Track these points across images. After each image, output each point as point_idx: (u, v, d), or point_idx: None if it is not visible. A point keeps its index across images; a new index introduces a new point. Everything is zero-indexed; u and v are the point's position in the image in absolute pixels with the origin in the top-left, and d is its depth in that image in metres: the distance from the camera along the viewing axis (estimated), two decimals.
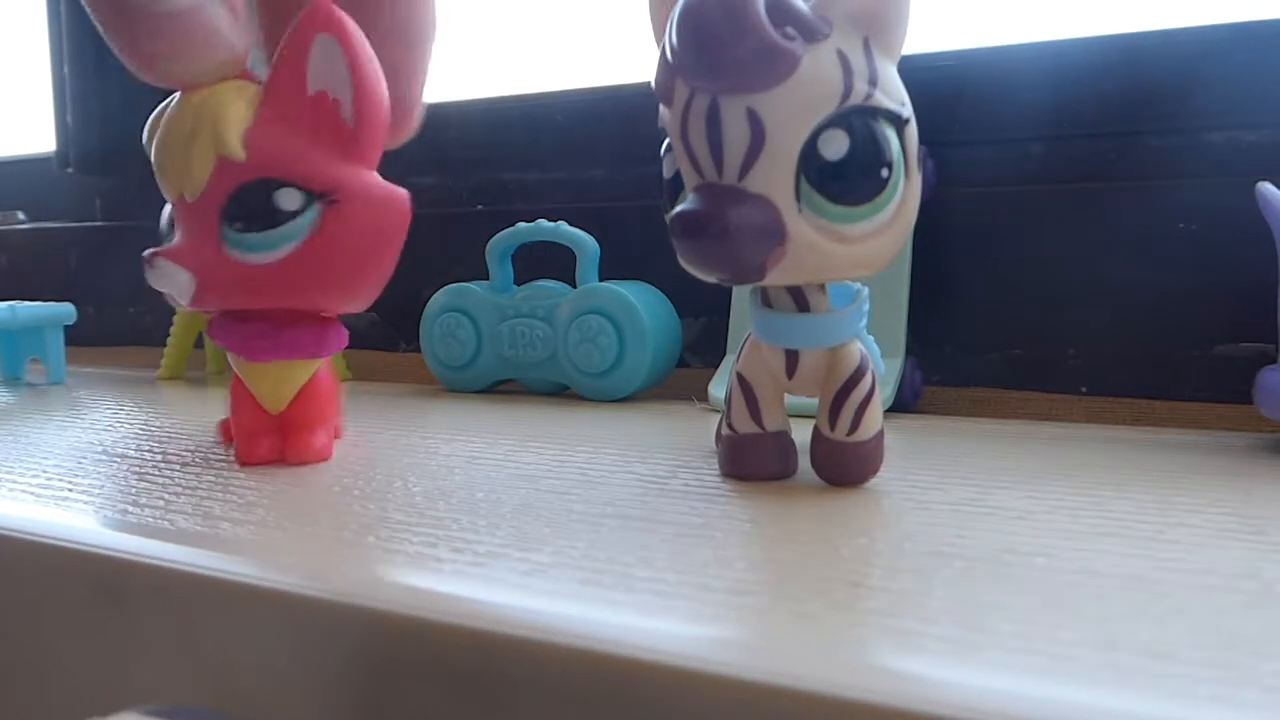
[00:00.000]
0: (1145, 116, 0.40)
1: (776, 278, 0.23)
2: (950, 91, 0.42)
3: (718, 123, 0.23)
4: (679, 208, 0.23)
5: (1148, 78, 0.39)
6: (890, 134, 0.23)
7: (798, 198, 0.23)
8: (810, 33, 0.22)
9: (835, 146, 0.22)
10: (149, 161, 0.27)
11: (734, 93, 0.22)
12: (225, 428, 0.33)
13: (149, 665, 0.21)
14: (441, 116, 0.51)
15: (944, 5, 0.47)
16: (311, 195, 0.26)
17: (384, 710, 0.17)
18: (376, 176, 0.27)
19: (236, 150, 0.25)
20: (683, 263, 0.24)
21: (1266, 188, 0.32)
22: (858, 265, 0.24)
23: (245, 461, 0.29)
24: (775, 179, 0.23)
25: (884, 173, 0.23)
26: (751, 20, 0.21)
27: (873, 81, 0.22)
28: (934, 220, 0.41)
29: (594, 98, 0.51)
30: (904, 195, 0.23)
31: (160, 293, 0.26)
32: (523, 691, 0.16)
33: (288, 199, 0.26)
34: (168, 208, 0.28)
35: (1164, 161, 0.39)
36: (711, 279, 0.24)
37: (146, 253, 0.26)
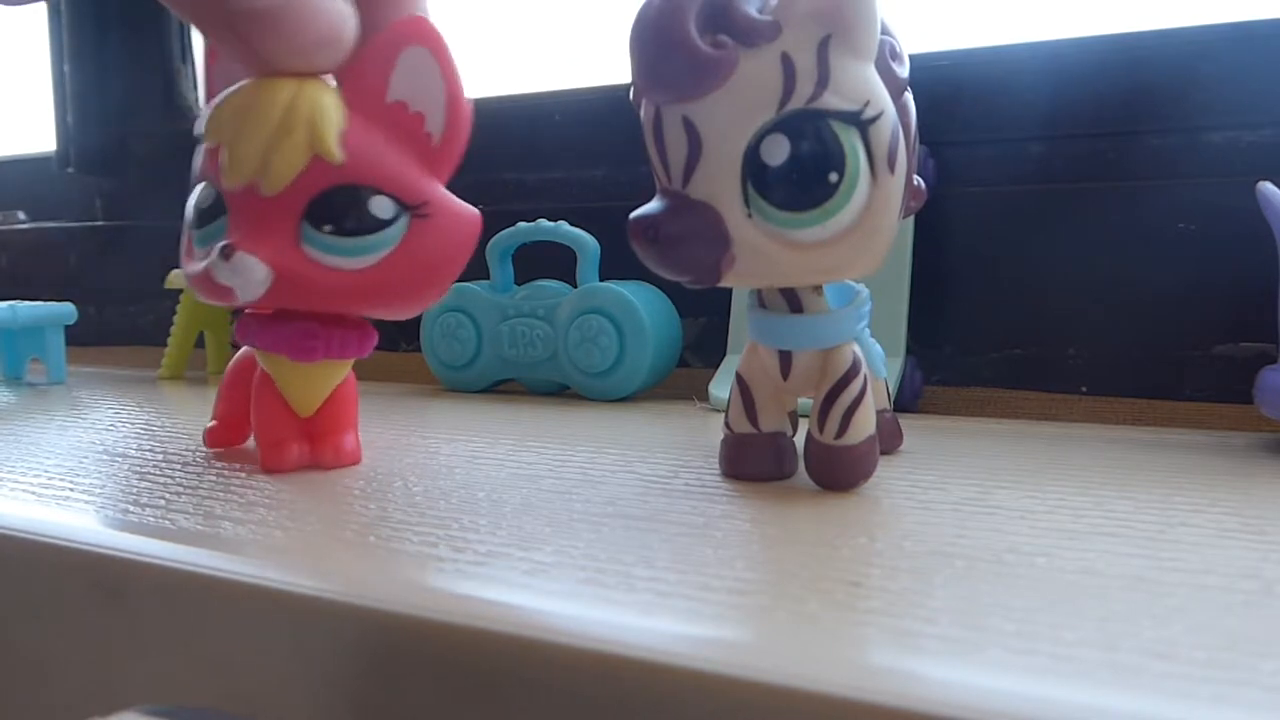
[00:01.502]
0: (1144, 116, 0.40)
1: (731, 281, 0.24)
2: (950, 91, 0.42)
3: (661, 131, 0.23)
4: (633, 213, 0.23)
5: (1147, 78, 0.39)
6: (845, 136, 0.22)
7: (746, 203, 0.23)
8: (748, 37, 0.22)
9: (775, 152, 0.22)
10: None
11: (671, 102, 0.23)
12: (218, 434, 0.31)
13: (149, 665, 0.21)
14: None
15: (944, 5, 0.47)
16: (403, 206, 0.25)
17: (384, 710, 0.17)
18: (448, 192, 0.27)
19: (335, 153, 0.25)
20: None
21: (1266, 188, 0.32)
22: (817, 272, 0.24)
23: (275, 470, 0.28)
24: (719, 185, 0.23)
25: (832, 177, 0.22)
26: (677, 33, 0.22)
27: (822, 83, 0.22)
28: (934, 220, 0.41)
29: (594, 98, 0.51)
30: (871, 199, 0.23)
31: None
32: (523, 691, 0.16)
33: (382, 207, 0.25)
34: (203, 192, 0.26)
35: (1163, 161, 0.39)
36: (674, 279, 0.24)
37: (223, 244, 0.24)
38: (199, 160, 0.26)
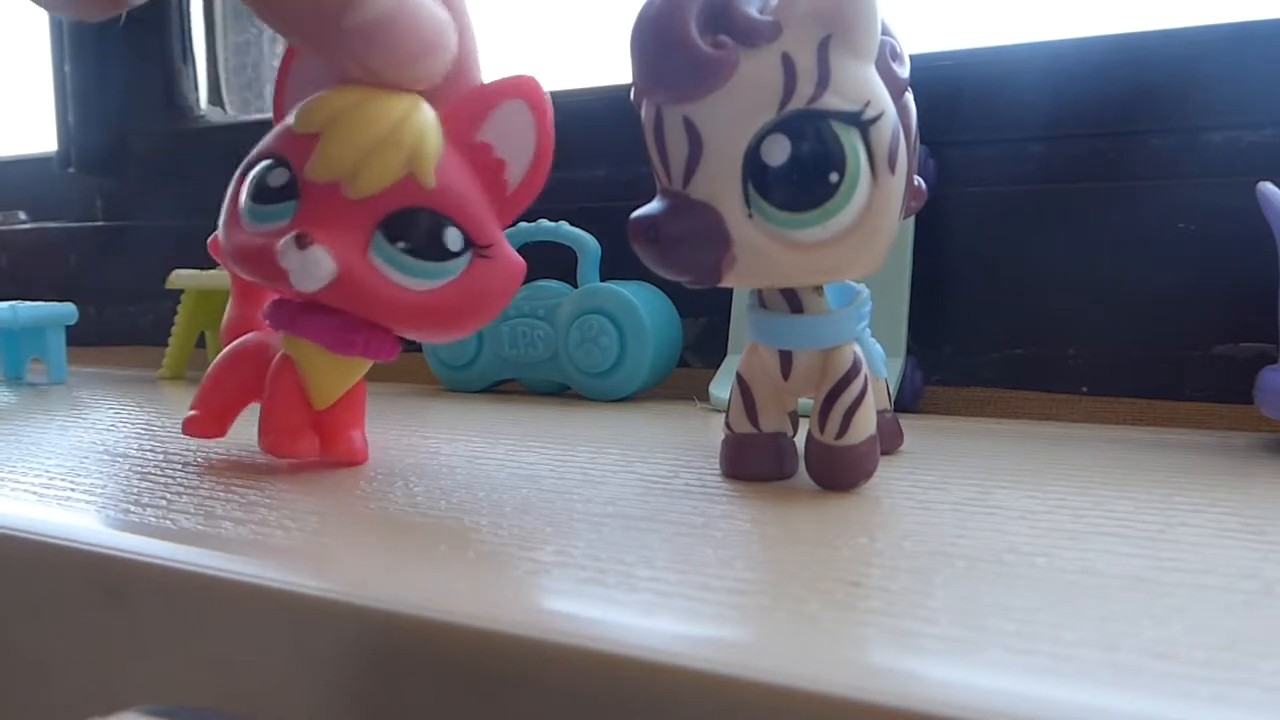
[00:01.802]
0: (1145, 116, 0.40)
1: (731, 281, 0.24)
2: (950, 91, 0.42)
3: (662, 131, 0.23)
4: (634, 213, 0.23)
5: (1147, 78, 0.39)
6: (846, 137, 0.22)
7: (747, 204, 0.23)
8: (748, 37, 0.22)
9: (776, 152, 0.22)
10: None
11: (672, 103, 0.23)
12: (201, 424, 0.30)
13: (149, 665, 0.21)
14: None
15: (944, 5, 0.47)
16: (470, 242, 0.26)
17: (384, 710, 0.17)
18: None
19: (430, 179, 0.25)
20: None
21: (1266, 188, 0.32)
22: (818, 272, 0.24)
23: (284, 454, 0.28)
24: (719, 185, 0.23)
25: (833, 177, 0.22)
26: (678, 33, 0.22)
27: (822, 83, 0.22)
28: (934, 220, 0.42)
29: (594, 98, 0.51)
30: (872, 199, 0.23)
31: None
32: (523, 691, 0.16)
33: (454, 239, 0.26)
34: (273, 170, 0.26)
35: (1164, 161, 0.39)
36: (674, 279, 0.24)
37: (300, 231, 0.24)
38: (276, 139, 0.26)
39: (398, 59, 0.25)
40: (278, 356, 0.29)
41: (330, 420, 0.29)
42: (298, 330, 0.27)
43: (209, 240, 0.32)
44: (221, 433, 0.30)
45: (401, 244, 0.25)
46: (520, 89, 0.27)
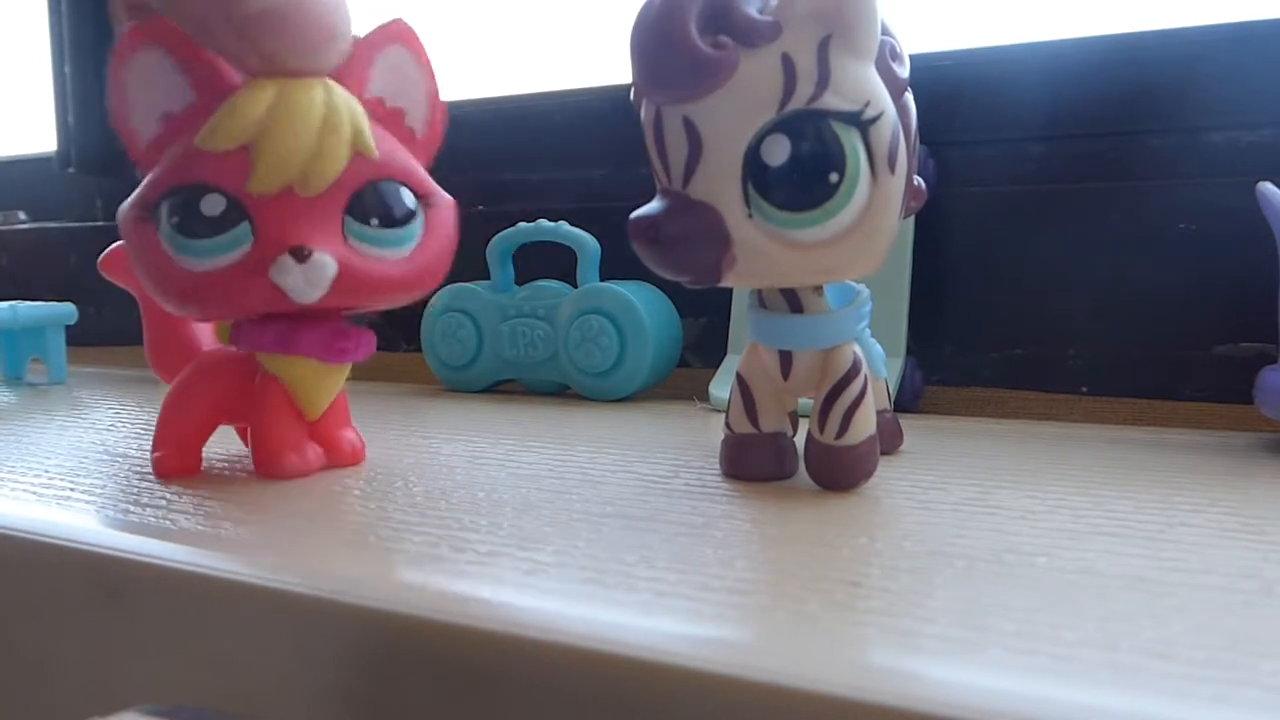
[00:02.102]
0: (1145, 116, 0.40)
1: (731, 281, 0.24)
2: (950, 91, 0.42)
3: (661, 131, 0.23)
4: (634, 213, 0.23)
5: (1147, 78, 0.39)
6: (846, 137, 0.22)
7: (747, 203, 0.23)
8: (748, 37, 0.22)
9: (776, 152, 0.22)
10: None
11: (672, 103, 0.23)
12: (174, 461, 0.28)
13: (149, 665, 0.21)
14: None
15: (944, 5, 0.47)
16: (417, 196, 0.26)
17: (384, 710, 0.17)
18: None
19: (374, 150, 0.25)
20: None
21: (1266, 188, 0.32)
22: (817, 272, 0.24)
23: (300, 474, 0.27)
24: (719, 185, 0.23)
25: (832, 177, 0.22)
26: (678, 34, 0.22)
27: (822, 83, 0.22)
28: (934, 220, 0.41)
29: (594, 98, 0.51)
30: (871, 199, 0.23)
31: None
32: (523, 691, 0.16)
33: (409, 198, 0.26)
34: (206, 200, 0.24)
35: (1164, 161, 0.39)
36: (674, 279, 0.24)
37: (298, 245, 0.24)
38: (182, 166, 0.25)
39: (299, 46, 0.24)
40: (258, 378, 0.27)
41: (325, 426, 0.29)
42: (288, 349, 0.27)
43: (101, 260, 0.31)
44: (196, 467, 0.29)
45: (375, 220, 0.25)
46: (392, 35, 0.27)
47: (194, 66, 0.25)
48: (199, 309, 0.25)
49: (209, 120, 0.24)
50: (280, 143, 0.24)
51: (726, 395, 0.28)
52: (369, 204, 0.25)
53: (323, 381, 0.28)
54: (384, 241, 0.26)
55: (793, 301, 0.25)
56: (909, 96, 0.25)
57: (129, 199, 0.25)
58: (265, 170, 0.24)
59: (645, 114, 0.24)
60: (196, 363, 0.29)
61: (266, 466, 0.28)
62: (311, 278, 0.24)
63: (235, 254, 0.24)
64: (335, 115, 0.24)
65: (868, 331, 0.27)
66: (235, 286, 0.25)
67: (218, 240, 0.24)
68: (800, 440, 0.27)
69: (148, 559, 0.20)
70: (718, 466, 0.28)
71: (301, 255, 0.24)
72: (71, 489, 0.26)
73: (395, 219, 0.26)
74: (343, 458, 0.29)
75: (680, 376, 0.47)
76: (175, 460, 0.28)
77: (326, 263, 0.24)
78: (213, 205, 0.24)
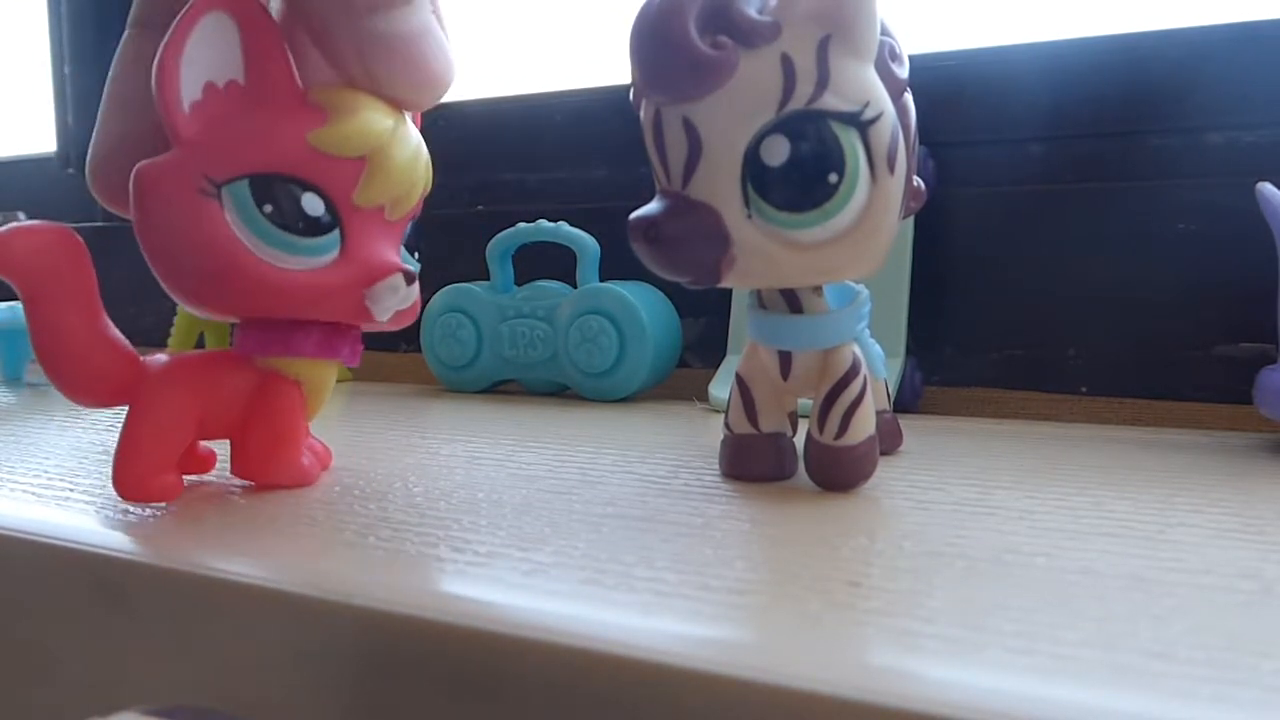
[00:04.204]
0: (1145, 116, 0.40)
1: (731, 282, 0.24)
2: (950, 91, 0.42)
3: (661, 132, 0.23)
4: (633, 213, 0.23)
5: (1147, 78, 0.39)
6: (846, 137, 0.22)
7: (746, 204, 0.23)
8: (748, 38, 0.22)
9: (775, 152, 0.22)
10: None
11: (671, 103, 0.23)
12: (153, 485, 0.24)
13: (149, 665, 0.21)
14: (441, 117, 0.51)
15: (945, 6, 0.47)
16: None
17: (384, 710, 0.17)
18: None
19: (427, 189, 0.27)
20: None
21: (1266, 188, 0.32)
22: (817, 273, 0.24)
23: (315, 478, 0.27)
24: (719, 186, 0.23)
25: (832, 178, 0.22)
26: (677, 34, 0.22)
27: (821, 84, 0.22)
28: (934, 220, 0.42)
29: (594, 98, 0.51)
30: (871, 200, 0.23)
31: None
32: (523, 691, 0.16)
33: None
34: (307, 198, 0.24)
35: (1164, 161, 0.39)
36: (674, 280, 0.24)
37: (401, 275, 0.24)
38: (296, 159, 0.23)
39: (410, 80, 0.24)
40: (268, 383, 0.26)
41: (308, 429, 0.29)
42: (317, 351, 0.26)
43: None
44: (180, 488, 0.25)
45: (416, 254, 0.26)
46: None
47: (253, 48, 0.24)
48: (265, 305, 0.24)
49: (331, 122, 0.24)
50: (397, 164, 0.24)
51: (726, 395, 0.28)
52: (412, 237, 0.27)
53: (327, 382, 0.28)
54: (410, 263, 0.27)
55: (792, 302, 0.25)
56: (908, 97, 0.25)
57: (160, 164, 0.24)
58: (377, 185, 0.24)
59: (645, 114, 0.24)
60: (170, 371, 0.25)
61: (289, 472, 0.26)
62: (406, 299, 0.25)
63: (325, 259, 0.24)
64: (424, 155, 0.26)
65: (867, 332, 0.27)
66: (326, 292, 0.24)
67: (317, 241, 0.24)
68: (800, 440, 0.27)
69: (148, 559, 0.20)
70: (717, 467, 0.28)
71: (410, 279, 0.25)
72: (71, 489, 0.26)
73: (411, 249, 0.27)
74: (325, 459, 0.29)
75: (680, 377, 0.47)
76: (173, 481, 0.25)
77: (414, 289, 0.25)
78: (313, 205, 0.24)
